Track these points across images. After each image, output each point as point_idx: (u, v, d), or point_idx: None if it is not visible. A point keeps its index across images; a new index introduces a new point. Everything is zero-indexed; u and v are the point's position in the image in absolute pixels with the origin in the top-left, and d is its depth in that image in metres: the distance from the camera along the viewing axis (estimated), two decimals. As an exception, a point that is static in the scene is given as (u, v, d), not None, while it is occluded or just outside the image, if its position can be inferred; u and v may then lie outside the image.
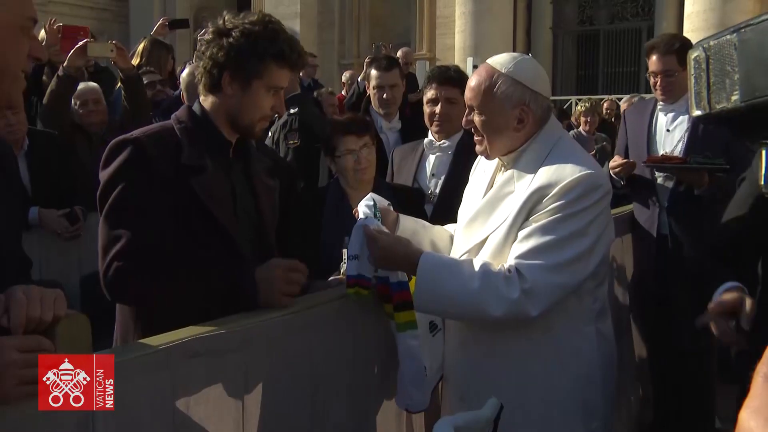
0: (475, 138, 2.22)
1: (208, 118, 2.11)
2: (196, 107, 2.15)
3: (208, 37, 2.09)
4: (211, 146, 2.10)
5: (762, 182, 0.99)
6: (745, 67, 0.90)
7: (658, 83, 3.71)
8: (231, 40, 2.03)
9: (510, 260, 2.02)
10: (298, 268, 1.98)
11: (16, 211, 1.66)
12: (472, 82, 2.17)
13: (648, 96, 7.08)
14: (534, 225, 2.02)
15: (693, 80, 1.00)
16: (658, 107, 3.80)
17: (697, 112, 0.99)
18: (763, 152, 0.99)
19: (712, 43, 0.96)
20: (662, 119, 3.78)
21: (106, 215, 1.98)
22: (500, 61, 2.15)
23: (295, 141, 4.29)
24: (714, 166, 3.43)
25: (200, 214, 2.00)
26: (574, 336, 2.14)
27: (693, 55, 0.99)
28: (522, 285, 1.96)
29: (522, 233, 2.04)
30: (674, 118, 3.74)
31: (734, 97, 0.91)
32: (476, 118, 2.15)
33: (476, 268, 2.02)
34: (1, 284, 1.34)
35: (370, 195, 2.26)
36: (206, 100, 2.13)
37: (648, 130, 3.79)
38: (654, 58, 3.70)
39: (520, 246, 2.02)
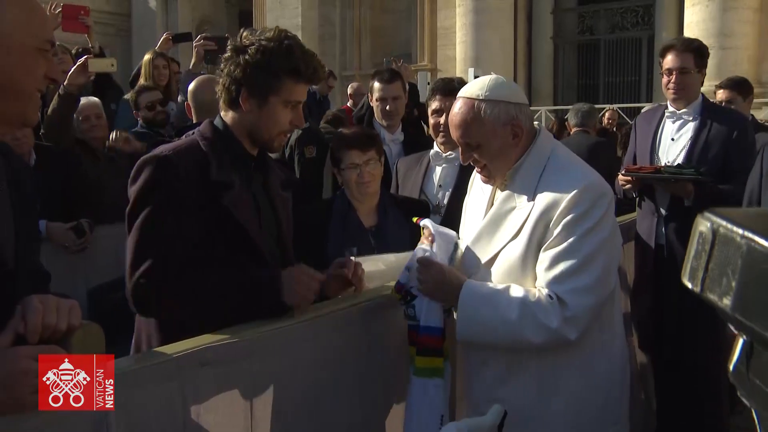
0: (477, 170, 2.23)
1: (231, 133, 2.15)
2: (217, 122, 2.18)
3: (227, 54, 2.13)
4: (236, 161, 2.13)
5: (730, 369, 0.95)
6: (744, 286, 0.85)
7: (672, 80, 3.65)
8: (247, 57, 2.06)
9: (543, 286, 2.04)
10: (318, 278, 2.06)
11: (34, 226, 1.70)
12: (456, 119, 2.16)
13: (648, 105, 7.09)
14: (557, 248, 2.03)
15: (693, 251, 0.94)
16: (666, 114, 3.76)
17: (688, 284, 0.94)
18: (740, 341, 0.95)
19: (722, 226, 0.89)
20: (668, 127, 3.74)
21: (135, 232, 2.00)
22: (473, 89, 2.16)
23: (312, 154, 4.37)
24: (685, 177, 3.40)
25: (228, 230, 2.03)
26: (594, 343, 2.16)
27: (700, 226, 0.92)
28: (564, 313, 1.99)
29: (546, 257, 2.05)
30: (680, 127, 3.70)
31: (726, 302, 0.87)
32: (476, 153, 2.15)
33: (514, 295, 2.03)
34: (21, 297, 1.38)
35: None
36: (227, 116, 2.17)
37: (653, 138, 3.76)
38: (670, 56, 3.66)
39: (551, 272, 2.03)
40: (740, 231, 0.84)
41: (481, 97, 2.12)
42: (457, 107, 2.17)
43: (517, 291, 2.04)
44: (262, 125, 2.12)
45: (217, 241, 2.03)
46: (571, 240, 2.01)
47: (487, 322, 2.05)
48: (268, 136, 2.15)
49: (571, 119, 6.38)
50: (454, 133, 2.20)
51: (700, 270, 0.91)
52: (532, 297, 2.02)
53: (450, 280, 2.12)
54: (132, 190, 2.03)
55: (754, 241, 0.84)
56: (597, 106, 12.22)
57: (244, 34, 2.12)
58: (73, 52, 5.82)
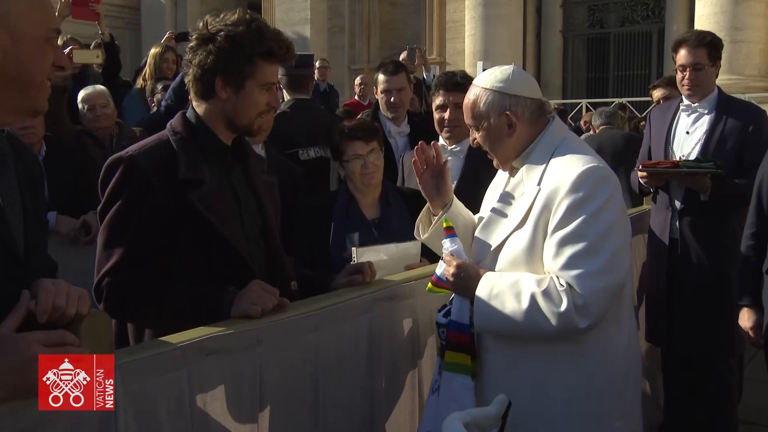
0: (489, 155, 2.31)
1: (204, 124, 2.13)
2: (190, 114, 2.16)
3: (192, 43, 2.10)
4: (210, 154, 2.11)
5: None
6: None
7: (686, 77, 3.63)
8: (217, 44, 2.04)
9: (553, 272, 2.03)
10: (275, 292, 1.96)
11: (44, 219, 1.73)
12: (464, 103, 2.30)
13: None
14: (562, 233, 2.02)
15: None
16: (681, 107, 3.74)
17: None
18: None
19: None
20: (684, 121, 3.72)
21: (102, 232, 2.03)
22: (482, 78, 2.28)
23: None
24: (703, 170, 3.38)
25: (202, 227, 2.02)
26: (597, 335, 2.12)
27: None
28: (575, 300, 1.98)
29: (552, 243, 2.04)
30: (695, 120, 3.67)
31: None
32: (477, 135, 2.27)
33: (524, 286, 2.03)
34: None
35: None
36: (200, 107, 2.15)
37: (668, 131, 3.75)
38: (683, 51, 3.64)
39: (558, 258, 2.02)
40: None
41: (481, 86, 2.24)
42: (468, 93, 2.30)
43: (527, 281, 2.04)
44: (240, 110, 2.10)
45: (190, 239, 2.02)
46: (575, 224, 2.01)
47: (500, 314, 2.05)
48: (247, 120, 2.12)
49: (596, 120, 6.35)
50: (464, 116, 2.32)
51: None
52: (541, 286, 2.01)
53: (469, 274, 2.14)
54: (102, 191, 2.04)
55: None
56: (606, 100, 12.23)
57: (209, 20, 2.09)
58: (91, 46, 5.85)
